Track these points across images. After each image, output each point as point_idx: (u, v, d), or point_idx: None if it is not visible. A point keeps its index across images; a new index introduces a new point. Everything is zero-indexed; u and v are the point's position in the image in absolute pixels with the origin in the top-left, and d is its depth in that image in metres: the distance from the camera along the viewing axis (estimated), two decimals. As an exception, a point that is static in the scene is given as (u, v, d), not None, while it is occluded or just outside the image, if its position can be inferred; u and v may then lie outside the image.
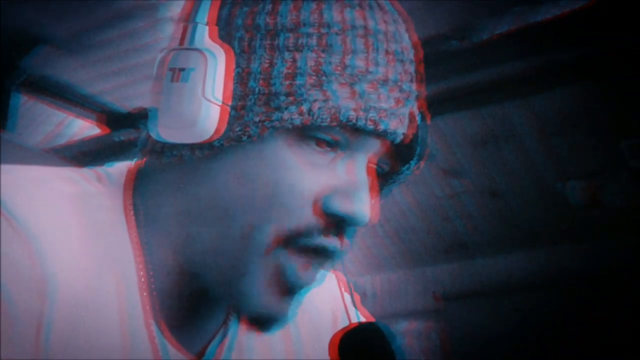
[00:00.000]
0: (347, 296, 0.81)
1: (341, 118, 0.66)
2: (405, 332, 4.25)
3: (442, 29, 2.70)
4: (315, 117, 0.66)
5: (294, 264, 0.69)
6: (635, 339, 3.31)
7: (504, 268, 4.05)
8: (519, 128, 3.36)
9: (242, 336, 0.79)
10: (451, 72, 2.78)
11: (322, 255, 0.70)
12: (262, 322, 0.72)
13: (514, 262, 4.01)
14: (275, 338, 0.82)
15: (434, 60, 2.53)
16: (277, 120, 0.66)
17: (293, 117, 0.66)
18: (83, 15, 2.78)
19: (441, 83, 2.74)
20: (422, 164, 0.76)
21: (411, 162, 0.75)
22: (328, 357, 0.72)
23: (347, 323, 0.74)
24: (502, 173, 3.62)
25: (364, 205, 0.69)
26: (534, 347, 3.71)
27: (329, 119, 0.66)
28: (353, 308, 0.80)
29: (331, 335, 0.72)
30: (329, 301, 0.86)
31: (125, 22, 2.81)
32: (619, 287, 3.49)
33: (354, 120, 0.67)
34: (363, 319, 0.78)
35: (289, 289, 0.70)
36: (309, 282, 0.71)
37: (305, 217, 0.68)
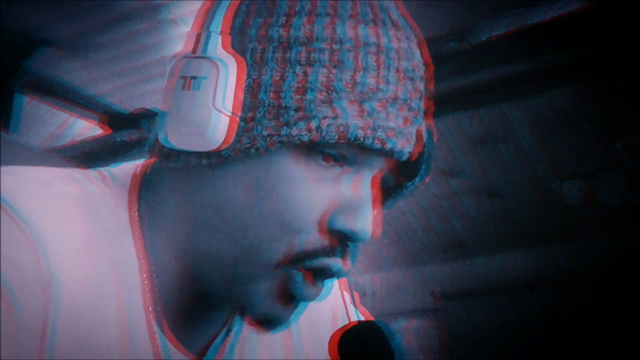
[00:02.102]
0: (346, 295, 0.82)
1: (349, 136, 0.66)
2: (405, 331, 4.24)
3: (441, 31, 2.70)
4: (323, 134, 0.65)
5: (300, 279, 0.70)
6: (632, 338, 3.32)
7: (501, 267, 4.05)
8: (517, 128, 3.36)
9: (244, 337, 0.80)
10: (450, 73, 2.76)
11: (325, 274, 0.71)
12: (266, 324, 0.72)
13: (512, 261, 4.02)
14: (275, 338, 0.82)
15: (433, 61, 2.54)
16: (286, 135, 0.66)
17: (302, 133, 0.66)
18: (85, 16, 2.77)
19: (440, 84, 2.74)
20: (427, 179, 0.76)
21: (416, 178, 0.75)
22: (328, 356, 0.72)
23: (346, 322, 0.74)
24: (500, 173, 3.62)
25: (367, 223, 0.69)
26: (531, 345, 3.72)
27: (337, 137, 0.66)
28: (352, 307, 0.81)
29: (331, 334, 0.72)
30: (329, 300, 0.85)
31: (127, 24, 2.80)
32: (616, 287, 3.50)
33: (361, 139, 0.66)
34: (362, 318, 0.77)
35: (294, 300, 0.71)
36: (313, 297, 0.72)
37: (312, 238, 0.68)
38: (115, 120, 3.35)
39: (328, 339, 0.72)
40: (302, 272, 0.69)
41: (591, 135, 3.26)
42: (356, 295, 0.82)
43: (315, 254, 0.68)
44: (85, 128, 3.59)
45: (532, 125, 3.32)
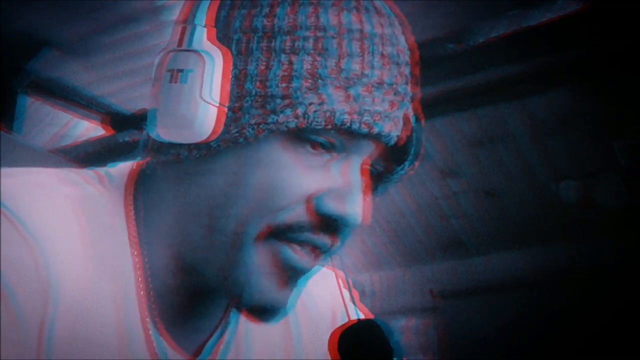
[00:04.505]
0: (346, 293, 0.82)
1: (336, 121, 0.66)
2: (403, 329, 4.23)
3: (439, 33, 2.70)
4: (310, 121, 0.66)
5: (289, 249, 0.70)
6: (632, 338, 3.33)
7: (500, 266, 4.04)
8: (514, 129, 3.35)
9: (240, 334, 0.80)
10: (448, 74, 2.75)
11: (311, 250, 0.71)
12: (263, 311, 0.72)
13: (510, 260, 4.01)
14: (274, 335, 0.83)
15: (431, 63, 2.55)
16: (273, 123, 0.66)
17: (289, 120, 0.66)
18: (88, 18, 2.78)
19: (438, 85, 2.75)
20: (416, 164, 0.75)
21: (405, 163, 0.75)
22: (328, 354, 0.73)
23: (346, 320, 0.75)
24: (498, 173, 3.61)
25: (356, 207, 0.69)
26: (530, 344, 3.73)
27: (323, 123, 0.66)
28: (352, 305, 0.81)
29: (330, 332, 0.73)
30: (329, 299, 0.88)
31: (130, 25, 2.81)
32: (613, 286, 3.50)
33: (348, 124, 0.67)
34: (362, 316, 0.78)
35: (287, 275, 0.71)
36: (306, 266, 0.71)
37: (296, 213, 0.68)
38: (118, 121, 3.35)
39: (328, 337, 0.73)
40: (288, 244, 0.70)
41: (588, 136, 3.26)
42: (355, 293, 0.83)
43: (300, 228, 0.69)
44: (88, 129, 3.59)
45: (530, 126, 3.33)
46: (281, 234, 0.69)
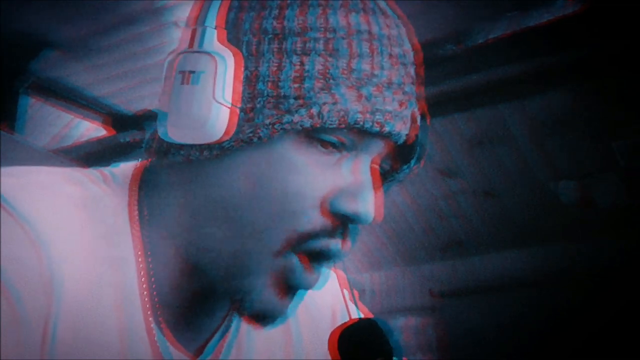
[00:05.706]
0: (346, 293, 0.82)
1: (349, 120, 0.67)
2: (403, 328, 4.24)
3: (438, 34, 2.70)
4: (324, 120, 0.66)
5: (301, 266, 0.70)
6: (632, 338, 3.34)
7: (499, 266, 4.05)
8: (513, 129, 3.36)
9: (242, 334, 0.80)
10: (447, 75, 2.76)
11: (325, 256, 0.71)
12: (263, 318, 0.72)
13: (508, 259, 4.02)
14: (275, 335, 0.83)
15: (431, 63, 2.54)
16: (288, 122, 0.67)
17: (303, 119, 0.66)
18: (89, 19, 2.79)
19: (438, 86, 2.75)
20: (422, 163, 0.76)
21: (411, 161, 0.76)
22: (328, 353, 0.73)
23: (346, 319, 0.75)
24: (497, 173, 3.62)
25: (368, 205, 0.70)
26: (529, 343, 3.73)
27: (337, 122, 0.67)
28: (352, 304, 0.81)
29: (331, 331, 0.73)
30: (329, 298, 0.88)
31: (131, 26, 2.82)
32: (613, 286, 3.50)
33: (361, 123, 0.67)
34: (362, 315, 0.78)
35: (292, 289, 0.71)
36: (311, 284, 0.72)
37: (313, 219, 0.69)
38: (119, 121, 3.36)
39: (328, 336, 0.73)
40: (300, 256, 0.70)
41: (586, 136, 3.26)
42: (356, 293, 0.83)
43: (317, 234, 0.69)
44: (89, 129, 3.60)
45: (528, 126, 3.33)
46: (301, 245, 0.69)
